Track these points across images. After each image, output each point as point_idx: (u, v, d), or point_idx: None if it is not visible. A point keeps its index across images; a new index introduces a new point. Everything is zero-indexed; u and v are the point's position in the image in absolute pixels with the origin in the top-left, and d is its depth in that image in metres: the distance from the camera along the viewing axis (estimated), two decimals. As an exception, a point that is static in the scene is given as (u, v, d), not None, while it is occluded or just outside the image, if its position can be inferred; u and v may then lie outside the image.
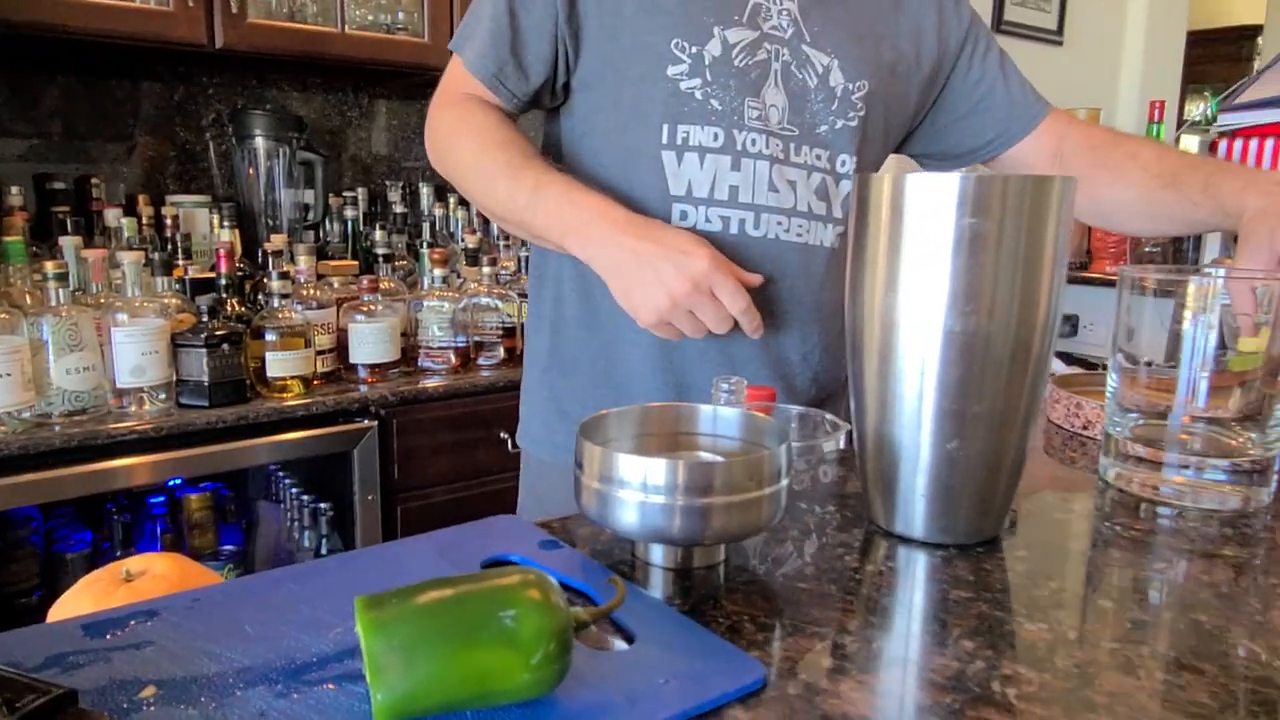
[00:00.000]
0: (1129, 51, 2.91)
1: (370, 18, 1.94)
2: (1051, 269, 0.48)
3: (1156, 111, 2.26)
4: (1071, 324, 2.04)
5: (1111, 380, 0.62)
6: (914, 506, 0.58)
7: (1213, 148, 1.54)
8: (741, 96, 0.92)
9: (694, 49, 0.90)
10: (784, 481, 0.55)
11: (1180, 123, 5.91)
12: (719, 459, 0.60)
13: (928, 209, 0.48)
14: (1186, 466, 0.61)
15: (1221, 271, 0.65)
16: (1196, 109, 6.14)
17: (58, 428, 1.36)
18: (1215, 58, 6.08)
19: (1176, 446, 0.60)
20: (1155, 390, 0.59)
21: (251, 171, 1.96)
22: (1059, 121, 1.06)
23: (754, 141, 0.92)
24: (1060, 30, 2.69)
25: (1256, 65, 5.24)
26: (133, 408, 1.44)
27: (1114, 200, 0.99)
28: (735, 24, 0.91)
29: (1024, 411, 0.53)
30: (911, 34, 1.01)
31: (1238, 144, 1.50)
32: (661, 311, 0.80)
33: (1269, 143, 1.47)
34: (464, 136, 0.92)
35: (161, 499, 1.63)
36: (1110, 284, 1.92)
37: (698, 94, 0.91)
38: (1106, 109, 2.83)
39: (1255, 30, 5.25)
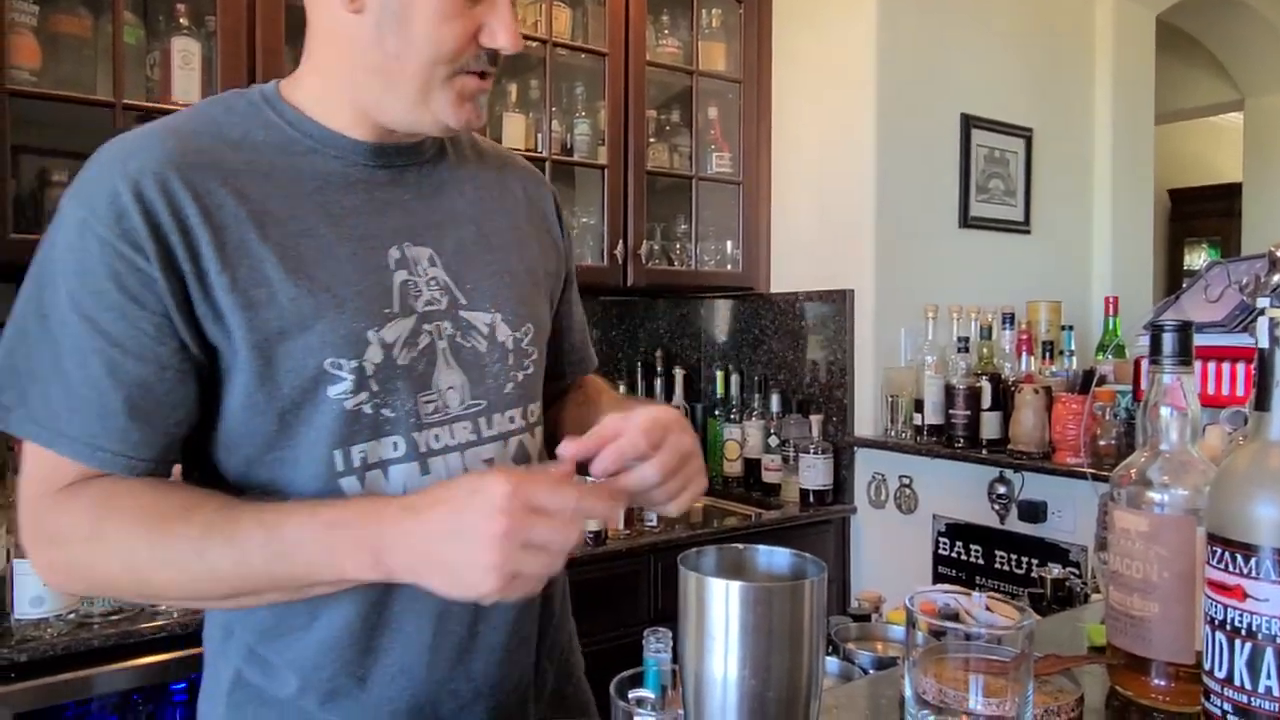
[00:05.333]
0: (1097, 239, 3.13)
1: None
2: (810, 640, 0.65)
3: (1111, 306, 2.45)
4: (1040, 510, 2.17)
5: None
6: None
7: (1136, 365, 1.70)
8: (413, 395, 0.83)
9: (352, 363, 0.80)
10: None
11: (1173, 280, 6.11)
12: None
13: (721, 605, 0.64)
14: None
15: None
16: (1198, 259, 6.41)
17: (96, 627, 1.53)
18: (1207, 213, 6.38)
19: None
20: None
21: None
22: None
23: (437, 438, 0.85)
24: (1027, 221, 2.92)
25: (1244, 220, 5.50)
26: (163, 605, 1.60)
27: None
28: (390, 318, 0.83)
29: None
30: (543, 255, 1.01)
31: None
32: (499, 566, 0.66)
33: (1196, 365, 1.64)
34: (114, 534, 0.74)
35: (183, 685, 1.76)
36: (1072, 474, 2.05)
37: (366, 409, 0.81)
38: (1080, 297, 3.02)
39: (1239, 188, 5.53)
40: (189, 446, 0.82)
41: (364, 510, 0.72)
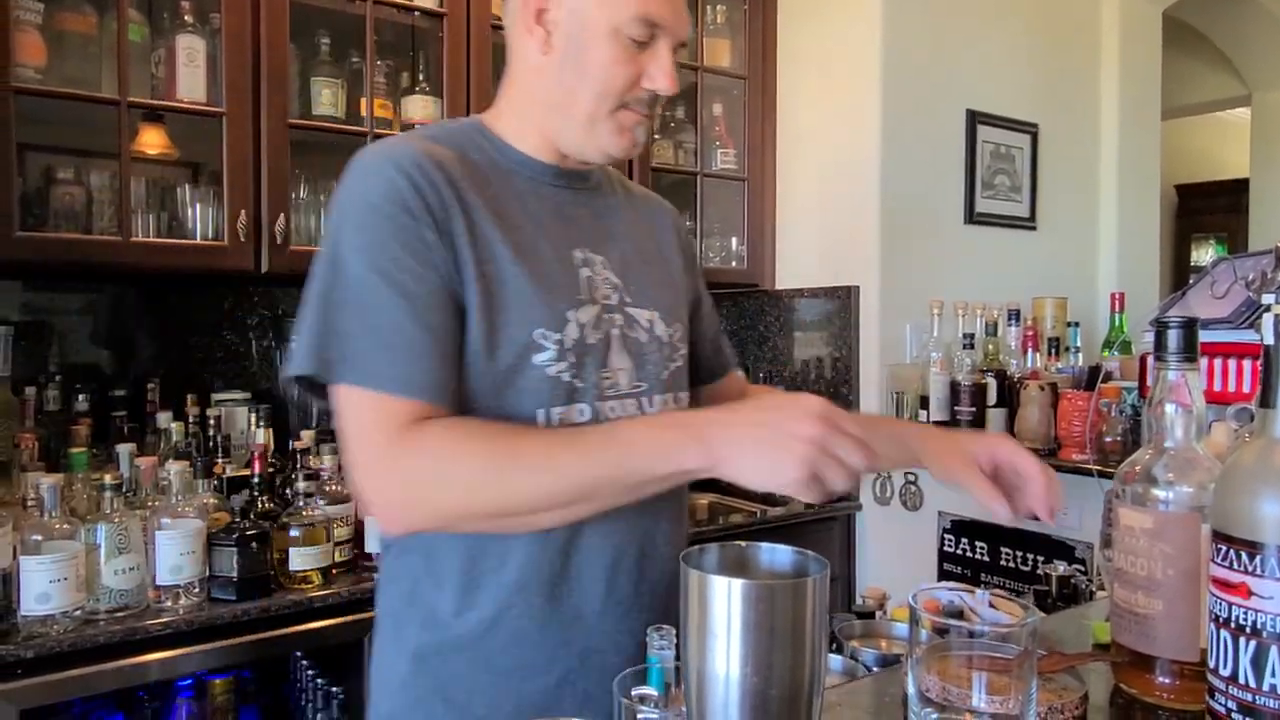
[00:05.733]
0: (1103, 235, 3.11)
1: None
2: (812, 638, 0.65)
3: (1117, 303, 2.44)
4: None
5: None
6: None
7: (1142, 361, 1.69)
8: (596, 371, 0.98)
9: (555, 335, 0.95)
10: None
11: (1179, 275, 6.09)
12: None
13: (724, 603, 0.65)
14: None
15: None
16: (1205, 255, 6.38)
17: (102, 624, 1.53)
18: (1214, 209, 6.35)
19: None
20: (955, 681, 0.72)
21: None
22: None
23: (613, 409, 0.99)
24: (1033, 217, 2.91)
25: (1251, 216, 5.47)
26: (169, 603, 1.61)
27: None
28: (581, 304, 0.98)
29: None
30: (682, 272, 1.16)
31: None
32: (807, 461, 0.76)
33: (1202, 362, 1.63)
34: (466, 454, 0.86)
35: (189, 682, 1.77)
36: (1078, 471, 2.04)
37: (564, 377, 0.95)
38: (1086, 293, 3.01)
39: (1246, 184, 5.50)
40: None
41: (689, 416, 0.87)
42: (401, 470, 0.85)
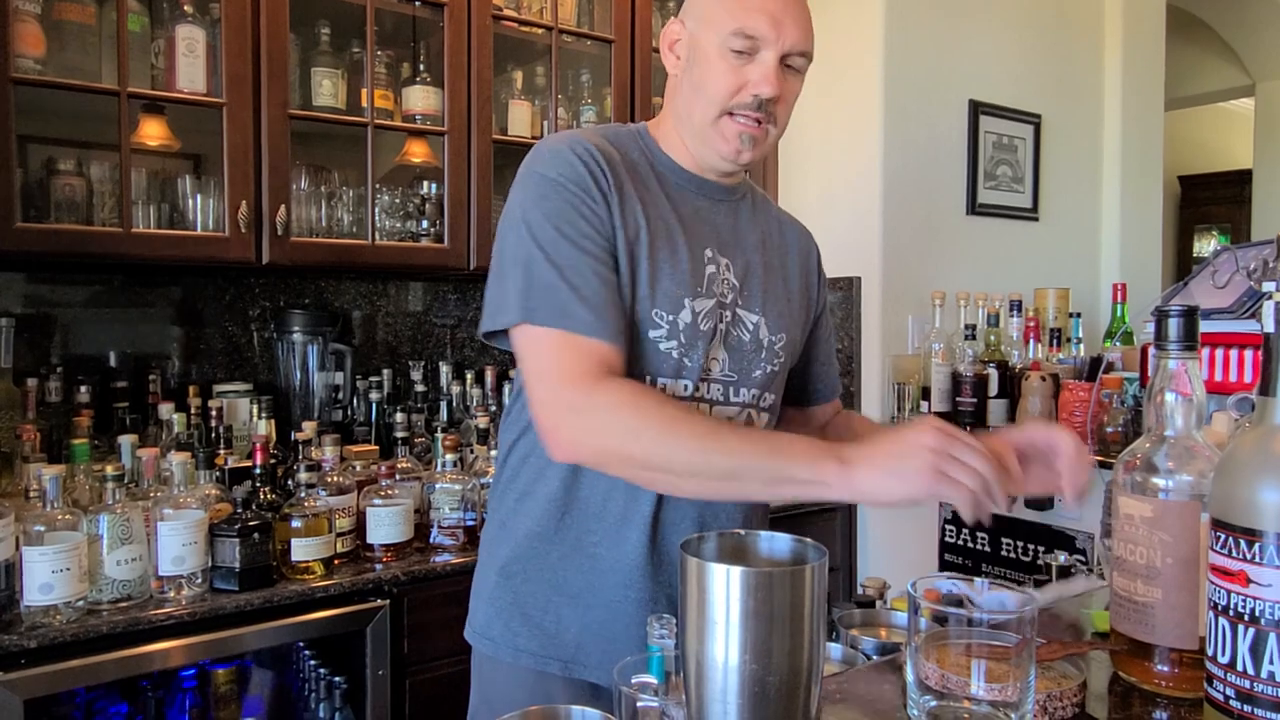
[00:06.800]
0: (1106, 226, 3.10)
1: (399, 225, 2.21)
2: (811, 625, 0.64)
3: (1119, 293, 2.44)
4: (1047, 499, 2.16)
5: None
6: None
7: (1143, 352, 1.69)
8: (704, 354, 1.11)
9: (670, 317, 1.09)
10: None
11: (1182, 266, 6.07)
12: None
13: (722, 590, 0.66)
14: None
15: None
16: (1207, 245, 6.36)
17: (105, 614, 1.53)
18: (1218, 200, 6.33)
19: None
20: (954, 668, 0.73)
21: (290, 360, 2.20)
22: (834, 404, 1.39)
23: (709, 389, 1.12)
24: (1035, 208, 2.90)
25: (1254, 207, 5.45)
26: (171, 593, 1.61)
27: None
28: (699, 295, 1.11)
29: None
30: (802, 291, 1.27)
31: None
32: (931, 466, 0.85)
33: (1204, 351, 1.63)
34: (643, 408, 0.98)
35: (192, 672, 1.78)
36: (1077, 460, 2.04)
37: (674, 354, 1.09)
38: (1089, 284, 3.00)
39: (1249, 175, 5.48)
40: None
41: (837, 443, 0.94)
42: (586, 406, 0.98)
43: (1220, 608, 0.71)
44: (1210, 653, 0.72)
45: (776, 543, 0.73)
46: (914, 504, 0.88)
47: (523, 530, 1.16)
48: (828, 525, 2.53)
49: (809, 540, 0.71)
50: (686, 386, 1.10)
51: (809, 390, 1.35)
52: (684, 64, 1.12)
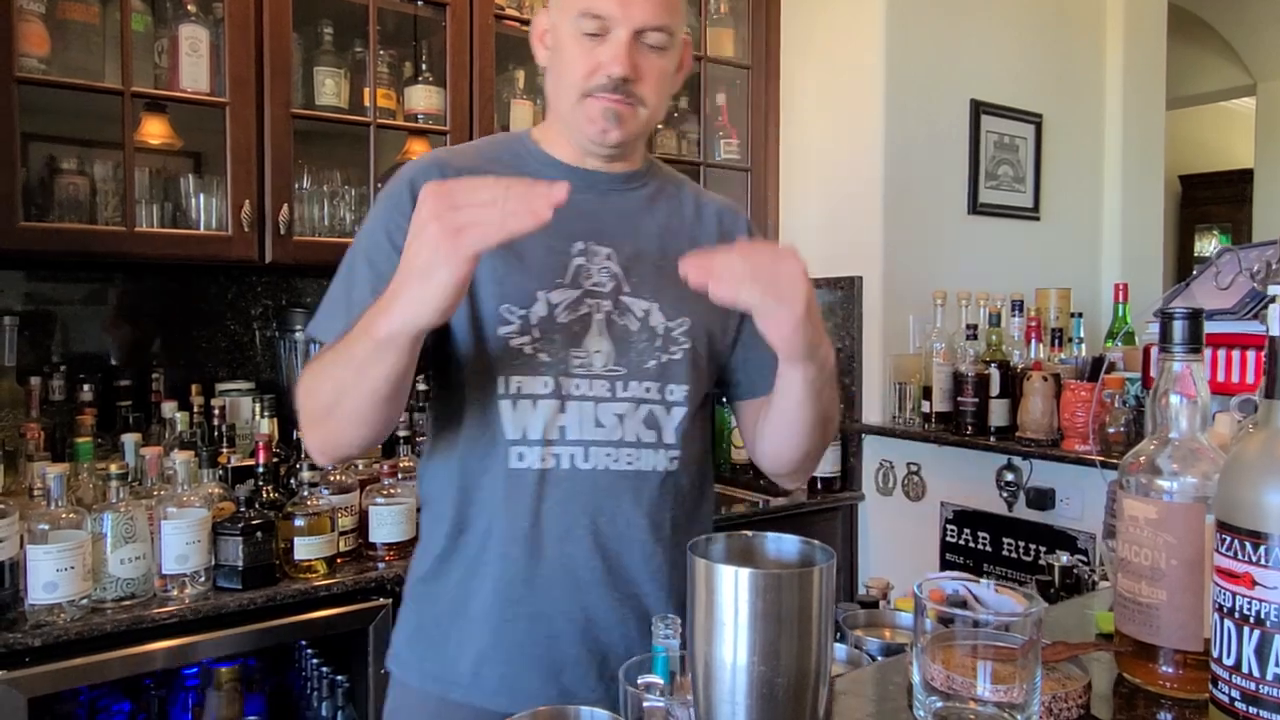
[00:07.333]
0: (1107, 225, 3.11)
1: (401, 225, 2.21)
2: (819, 627, 0.65)
3: (1120, 293, 2.44)
4: (1048, 498, 2.16)
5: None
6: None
7: (1145, 352, 1.69)
8: (566, 348, 1.06)
9: (521, 311, 1.05)
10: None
11: (1183, 266, 6.07)
12: None
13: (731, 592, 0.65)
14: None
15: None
16: (1208, 245, 6.36)
17: (109, 612, 1.54)
18: (1220, 199, 6.33)
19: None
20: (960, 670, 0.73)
21: (293, 359, 2.20)
22: None
23: (578, 386, 1.07)
24: (1036, 208, 2.90)
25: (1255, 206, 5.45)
26: (174, 591, 1.61)
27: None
28: (559, 286, 1.07)
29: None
30: None
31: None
32: (441, 230, 0.82)
33: (1207, 352, 1.63)
34: (309, 372, 1.02)
35: (195, 670, 1.78)
36: (1080, 462, 2.05)
37: (526, 349, 1.05)
38: (1090, 284, 3.00)
39: (1250, 174, 5.48)
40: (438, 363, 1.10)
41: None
42: (300, 393, 1.03)
43: (1225, 610, 0.71)
44: (1215, 655, 0.72)
45: (784, 544, 0.73)
46: (463, 279, 0.83)
47: (427, 550, 1.13)
48: (828, 524, 2.53)
49: (816, 542, 0.72)
50: (547, 384, 1.06)
51: (750, 383, 1.22)
52: (550, 54, 1.10)
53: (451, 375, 1.09)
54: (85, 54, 1.83)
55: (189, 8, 1.91)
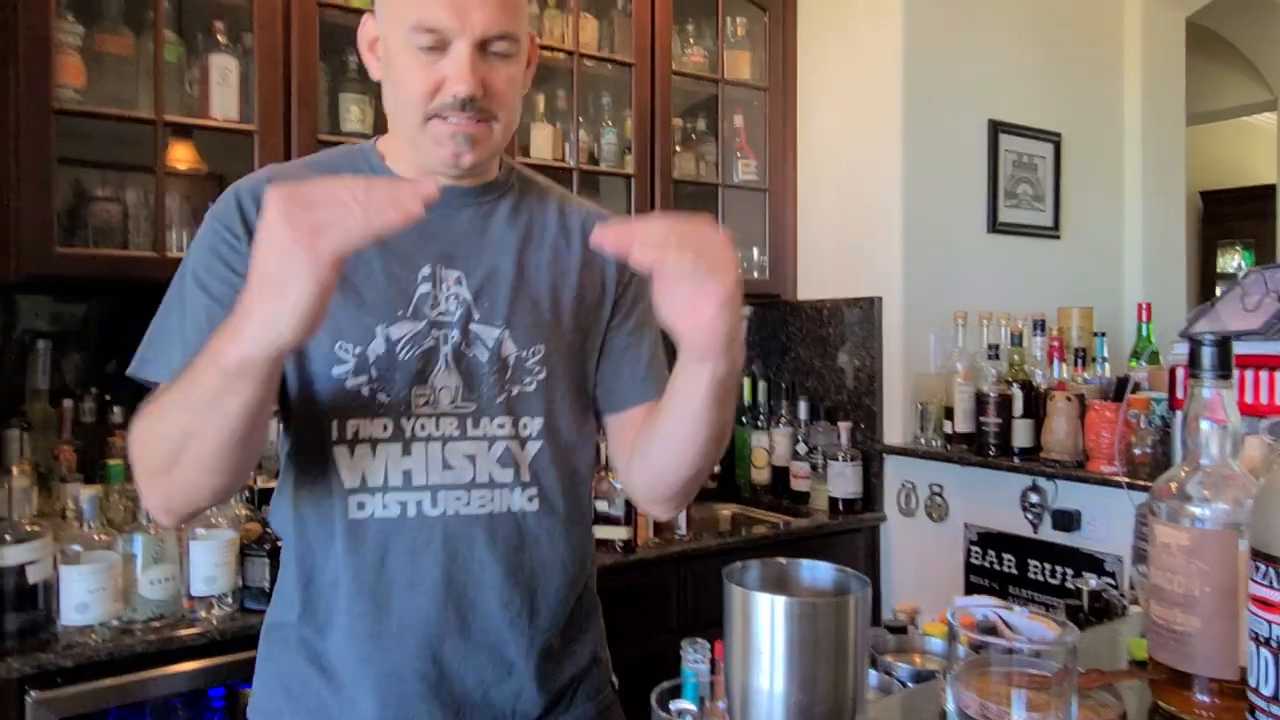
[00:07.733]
0: (1128, 243, 3.09)
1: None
2: (855, 655, 0.65)
3: (1144, 312, 2.43)
4: (1074, 520, 2.15)
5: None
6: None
7: (1171, 373, 1.68)
8: (409, 387, 0.96)
9: (357, 349, 0.95)
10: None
11: (1205, 282, 6.02)
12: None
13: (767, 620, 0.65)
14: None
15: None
16: (1231, 261, 6.31)
17: (138, 633, 1.55)
18: (1242, 215, 6.28)
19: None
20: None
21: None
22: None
23: (423, 426, 0.96)
24: (1057, 226, 2.90)
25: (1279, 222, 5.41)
26: (202, 613, 1.63)
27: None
28: (401, 319, 0.96)
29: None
30: (590, 285, 1.07)
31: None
32: (294, 234, 0.72)
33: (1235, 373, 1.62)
34: (154, 415, 0.88)
35: (221, 692, 1.79)
36: (1106, 483, 2.03)
37: (364, 390, 0.95)
38: (1112, 302, 2.99)
39: (1272, 190, 5.45)
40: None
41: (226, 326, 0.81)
42: (131, 442, 0.91)
43: (1262, 639, 0.71)
44: (1253, 684, 0.72)
45: (819, 572, 0.74)
46: (325, 288, 0.72)
47: (282, 595, 1.04)
48: (850, 546, 2.52)
49: (850, 570, 0.72)
50: (386, 427, 0.95)
51: (618, 395, 1.10)
52: (383, 66, 0.97)
53: (297, 415, 0.98)
54: (119, 83, 1.87)
55: (219, 38, 1.95)
